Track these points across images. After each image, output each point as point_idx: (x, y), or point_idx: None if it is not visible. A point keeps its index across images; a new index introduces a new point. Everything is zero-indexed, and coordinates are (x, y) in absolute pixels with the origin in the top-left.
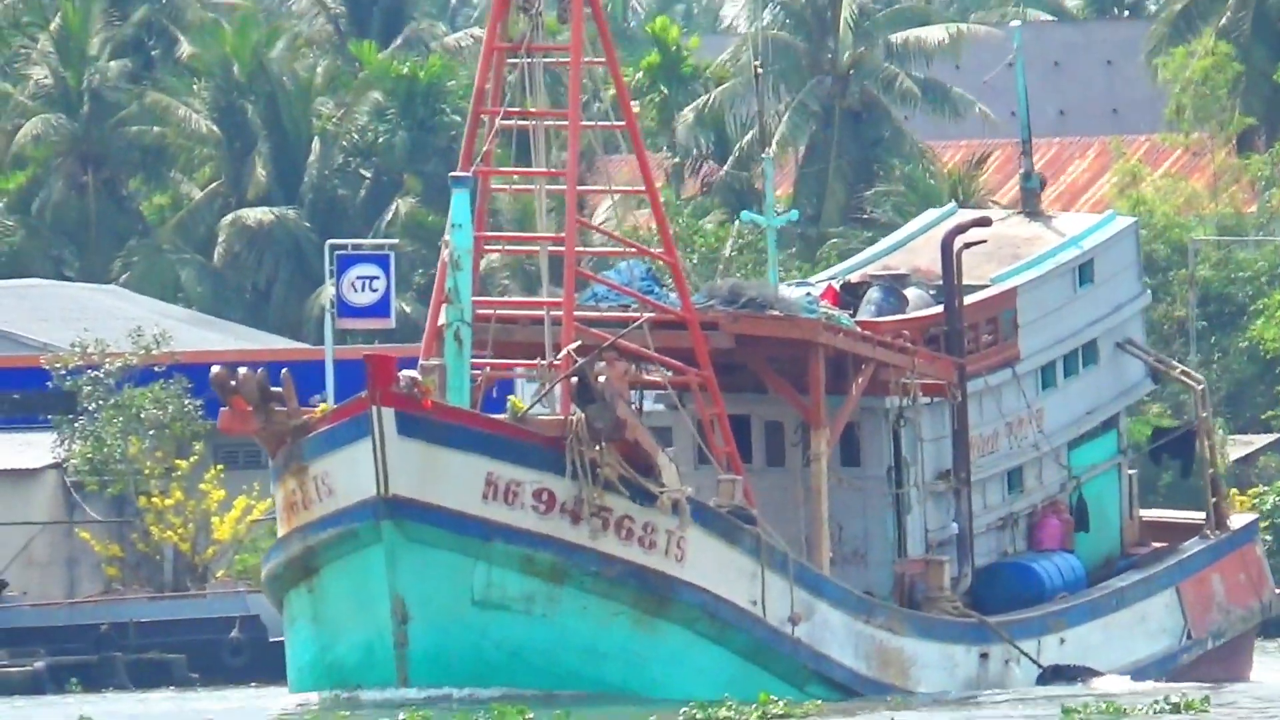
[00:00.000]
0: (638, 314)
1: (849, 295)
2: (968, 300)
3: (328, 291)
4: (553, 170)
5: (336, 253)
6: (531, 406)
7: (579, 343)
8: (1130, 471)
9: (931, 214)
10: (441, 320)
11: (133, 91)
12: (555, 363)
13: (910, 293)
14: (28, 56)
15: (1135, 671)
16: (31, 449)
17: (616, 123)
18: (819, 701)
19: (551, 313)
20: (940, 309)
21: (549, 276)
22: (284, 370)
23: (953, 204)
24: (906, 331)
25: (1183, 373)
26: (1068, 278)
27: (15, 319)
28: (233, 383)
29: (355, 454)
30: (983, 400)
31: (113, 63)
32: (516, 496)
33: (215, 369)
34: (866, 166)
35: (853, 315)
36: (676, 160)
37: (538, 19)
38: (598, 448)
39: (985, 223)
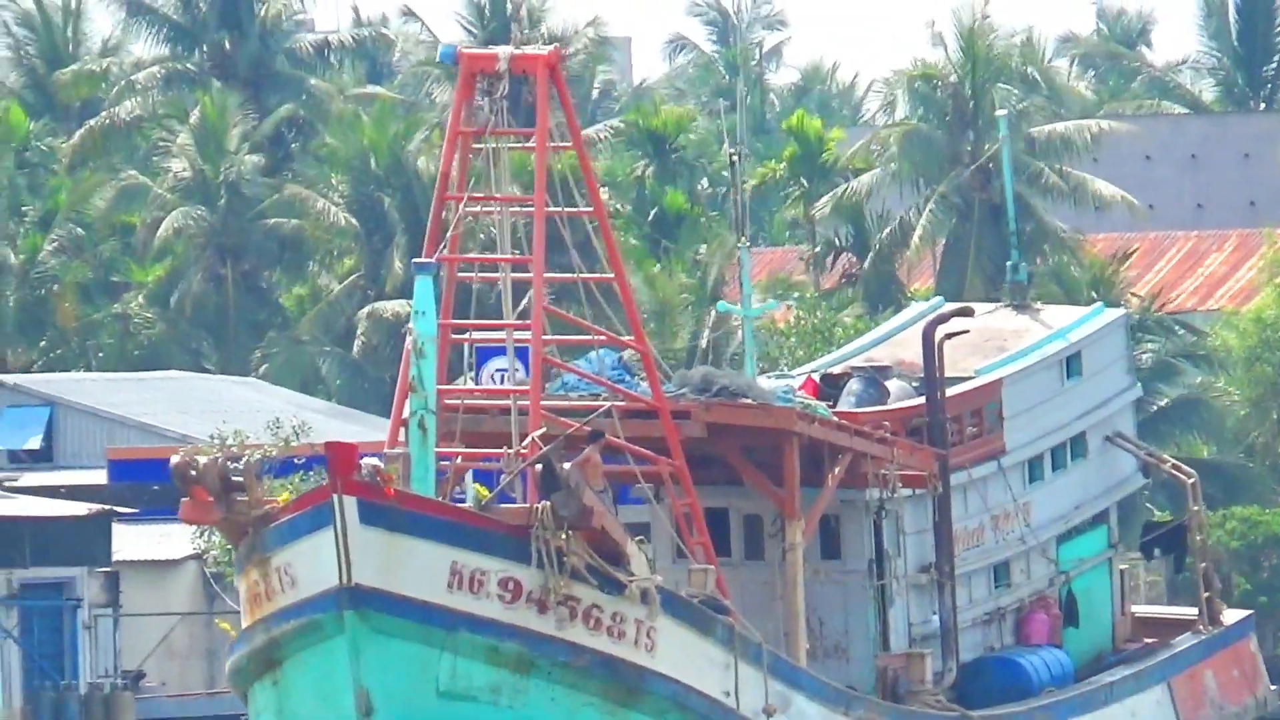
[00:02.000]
0: (607, 403)
1: (829, 387)
2: (951, 392)
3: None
4: (518, 257)
5: (475, 346)
6: (496, 495)
7: (543, 430)
8: (1122, 567)
9: (918, 308)
10: (406, 410)
11: (271, 184)
12: (522, 451)
13: (892, 384)
14: (167, 149)
15: None
16: (171, 540)
17: (584, 209)
18: None
19: (518, 402)
20: (922, 400)
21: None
22: (245, 458)
23: (939, 298)
24: (887, 423)
25: (1174, 467)
26: (1055, 370)
27: (155, 411)
28: (193, 472)
29: (317, 543)
30: (967, 493)
31: (250, 156)
32: (482, 585)
33: (174, 459)
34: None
35: (832, 407)
36: (816, 251)
37: (500, 104)
38: (564, 536)
39: (968, 313)
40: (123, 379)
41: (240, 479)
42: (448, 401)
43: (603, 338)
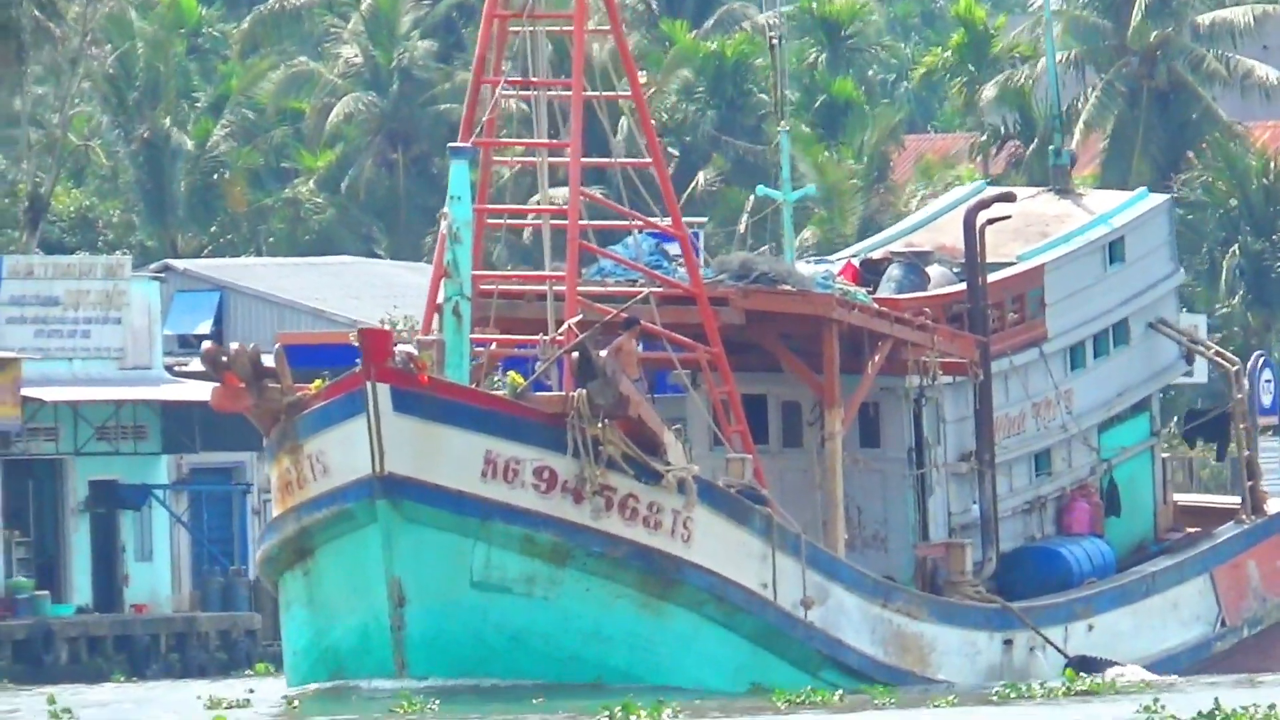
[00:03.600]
0: (643, 289)
1: (869, 273)
2: (992, 278)
3: None
4: (555, 141)
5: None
6: (531, 383)
7: (580, 317)
8: (1164, 455)
9: (959, 192)
10: (440, 296)
11: (443, 70)
12: (557, 338)
13: (932, 270)
14: (338, 35)
15: (1167, 660)
16: None
17: (622, 93)
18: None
19: (554, 288)
20: (963, 286)
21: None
22: (277, 345)
23: (981, 181)
24: (927, 309)
25: (1216, 354)
26: (1097, 256)
27: (326, 296)
28: (224, 358)
29: (350, 431)
30: (1008, 380)
31: (422, 42)
32: (516, 475)
33: (206, 344)
34: (1174, 148)
35: (872, 293)
36: (983, 139)
37: None
38: (600, 425)
39: (1009, 198)
40: (293, 264)
41: (273, 365)
42: (482, 287)
43: (639, 223)
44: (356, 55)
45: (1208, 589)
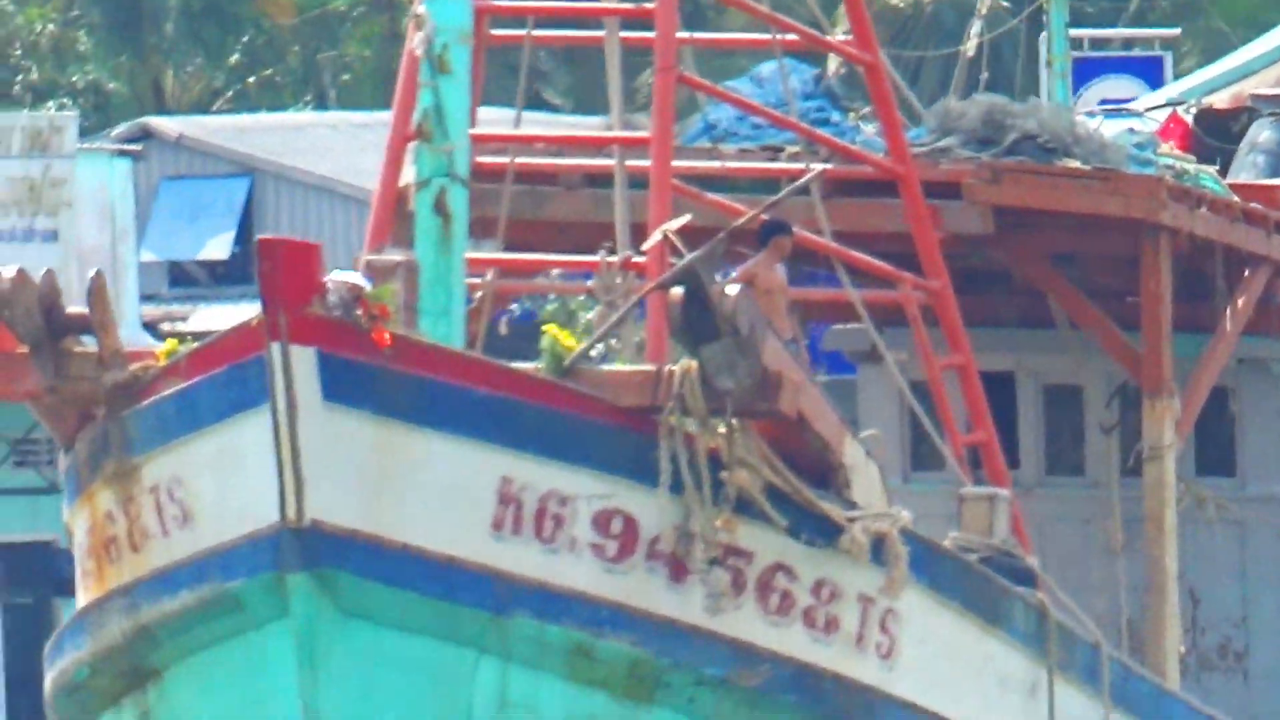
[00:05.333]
0: (800, 165)
1: (1212, 133)
2: None
3: None
4: None
5: None
6: (591, 346)
7: (687, 218)
8: None
9: None
10: (408, 176)
11: None
12: (637, 260)
13: None
14: None
15: None
16: None
17: None
18: None
19: (626, 158)
20: None
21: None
22: (95, 270)
23: None
24: None
25: None
26: None
27: None
28: None
29: (237, 440)
30: None
31: None
32: (561, 527)
33: None
34: None
35: (1222, 173)
36: None
37: None
38: (724, 428)
39: None
40: (381, 123)
41: (84, 311)
42: (479, 160)
43: (793, 35)
44: None
45: None
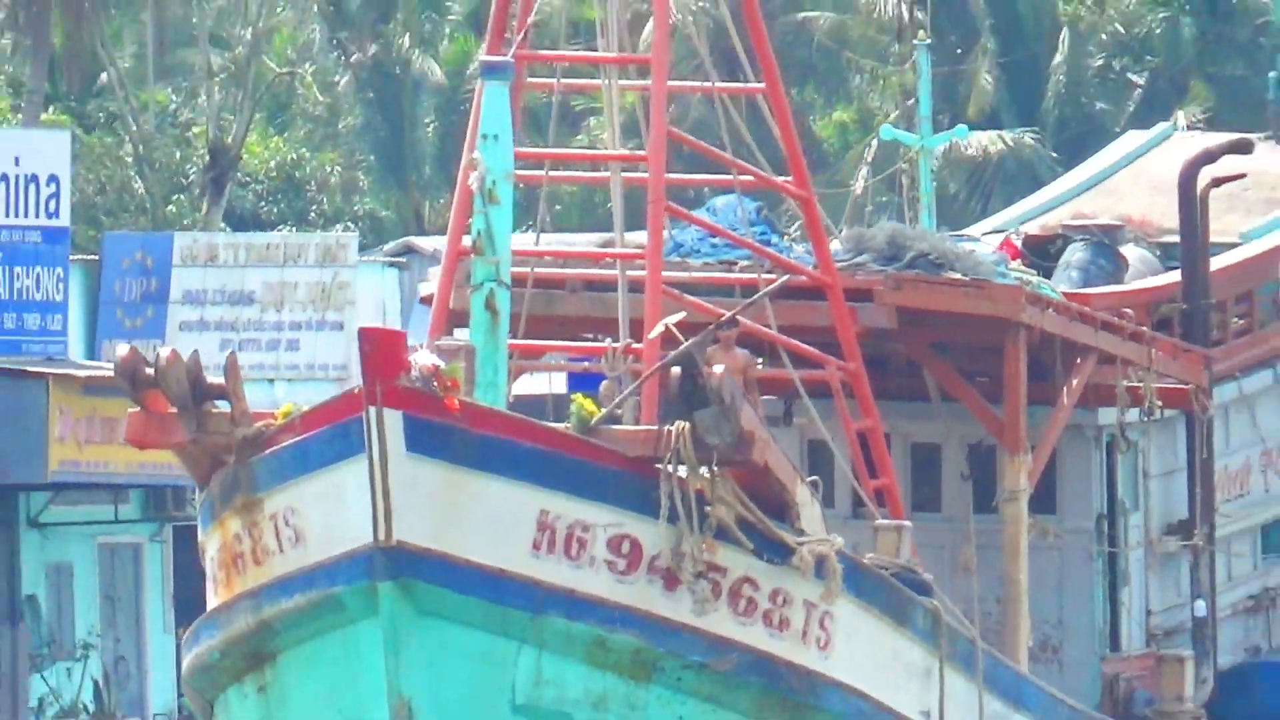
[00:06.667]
0: (750, 274)
1: (1035, 254)
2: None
3: None
4: (630, 55)
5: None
6: (611, 411)
7: (681, 315)
8: None
9: (1136, 137)
10: (467, 279)
11: None
12: (637, 346)
13: (1129, 252)
14: None
15: None
16: None
17: None
18: None
19: (629, 271)
20: (1174, 278)
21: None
22: (229, 354)
23: (1169, 124)
24: (1129, 309)
25: None
26: None
27: None
28: (148, 370)
29: (339, 481)
30: (1230, 415)
31: None
32: (584, 548)
33: (122, 349)
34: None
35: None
36: None
37: None
38: (709, 474)
39: (1245, 148)
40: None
41: (220, 382)
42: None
43: (748, 177)
44: None
45: None
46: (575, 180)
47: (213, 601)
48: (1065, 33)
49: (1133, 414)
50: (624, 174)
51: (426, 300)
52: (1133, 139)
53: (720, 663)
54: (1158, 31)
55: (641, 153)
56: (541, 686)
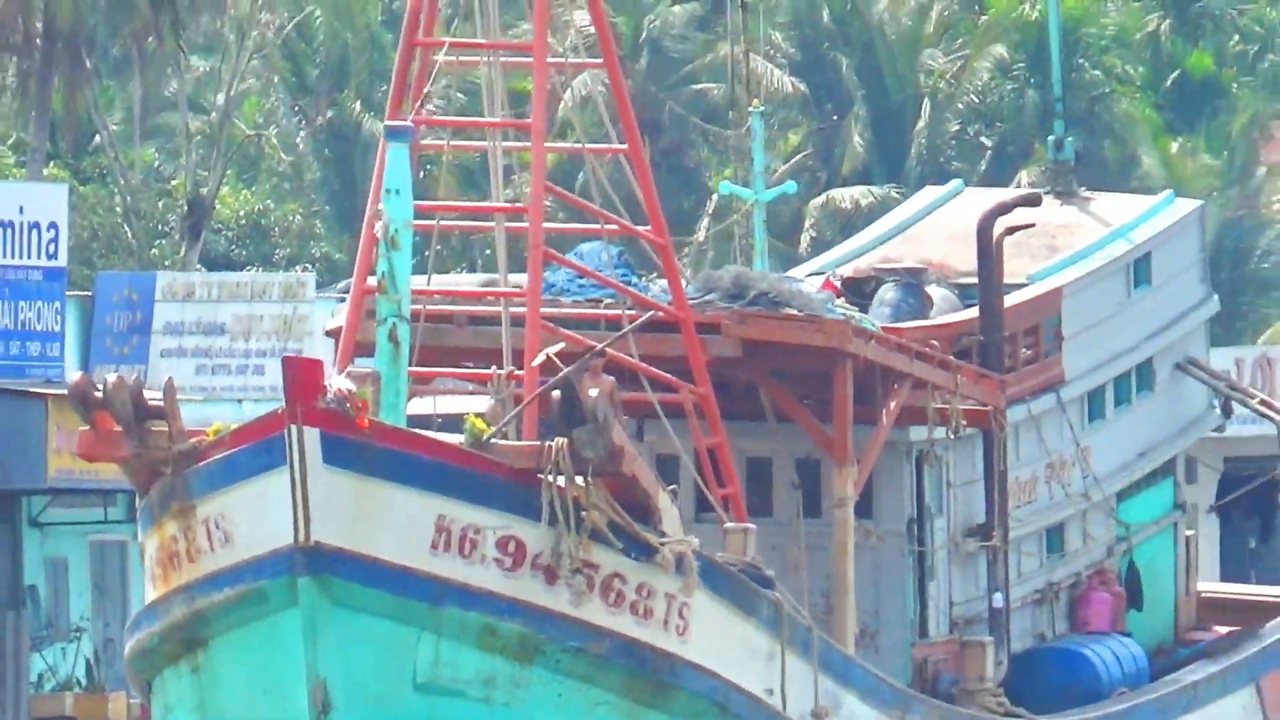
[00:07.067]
0: (613, 310)
1: (853, 293)
2: (1006, 303)
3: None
4: (511, 120)
5: None
6: (498, 430)
7: (560, 346)
8: (1189, 533)
9: (931, 193)
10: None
11: (700, 41)
12: (515, 373)
13: (934, 291)
14: None
15: None
16: None
17: (593, 60)
18: None
19: (510, 307)
20: (972, 313)
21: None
22: (168, 377)
23: (959, 181)
24: (935, 341)
25: (1262, 402)
26: (1120, 278)
27: None
28: (97, 393)
29: (264, 489)
30: (1020, 433)
31: (676, 8)
32: (476, 547)
33: (75, 375)
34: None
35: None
36: None
37: None
38: (584, 484)
39: (1035, 201)
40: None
41: (160, 402)
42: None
43: (613, 226)
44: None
45: (1254, 704)
46: (466, 229)
47: (151, 595)
48: (926, 102)
49: (939, 432)
50: (506, 224)
51: (333, 333)
52: (929, 194)
53: (594, 647)
54: (1005, 102)
55: (523, 205)
56: (439, 668)
